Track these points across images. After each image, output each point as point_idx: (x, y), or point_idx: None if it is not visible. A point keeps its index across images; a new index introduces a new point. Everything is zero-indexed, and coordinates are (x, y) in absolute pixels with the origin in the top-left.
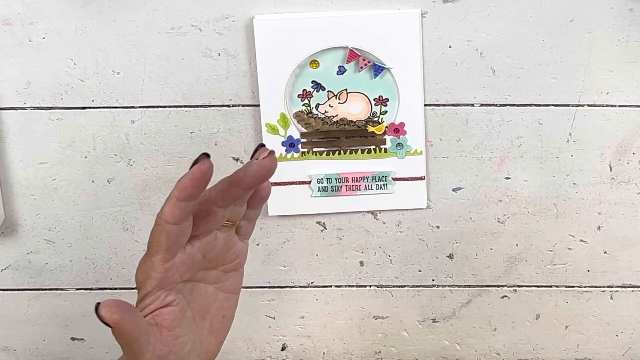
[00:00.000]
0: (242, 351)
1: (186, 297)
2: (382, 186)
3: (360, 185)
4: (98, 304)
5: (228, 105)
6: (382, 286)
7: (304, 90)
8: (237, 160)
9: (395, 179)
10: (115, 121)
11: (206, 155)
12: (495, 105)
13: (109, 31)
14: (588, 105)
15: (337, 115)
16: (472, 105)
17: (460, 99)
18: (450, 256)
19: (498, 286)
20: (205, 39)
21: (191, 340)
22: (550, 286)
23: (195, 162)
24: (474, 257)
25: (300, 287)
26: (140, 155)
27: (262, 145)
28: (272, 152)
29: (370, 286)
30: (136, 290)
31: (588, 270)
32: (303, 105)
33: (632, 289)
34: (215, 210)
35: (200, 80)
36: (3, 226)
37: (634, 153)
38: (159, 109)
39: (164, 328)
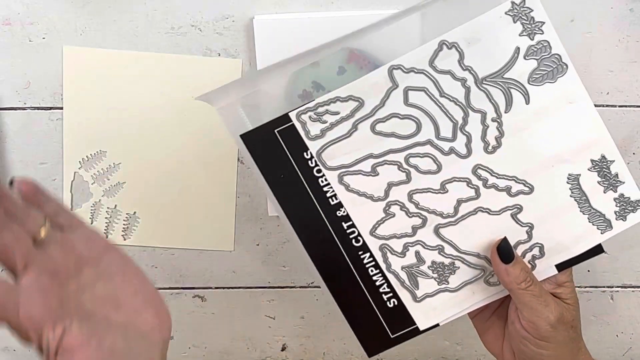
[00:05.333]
0: (242, 351)
1: (86, 313)
2: None
3: None
4: None
5: None
6: None
7: (304, 90)
8: (239, 160)
9: None
10: None
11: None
12: None
13: (109, 31)
14: None
15: None
16: None
17: None
18: None
19: None
20: (205, 39)
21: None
22: None
23: None
24: None
25: (300, 287)
26: None
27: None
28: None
29: None
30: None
31: (588, 270)
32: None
33: (632, 289)
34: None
35: None
36: None
37: (634, 153)
38: None
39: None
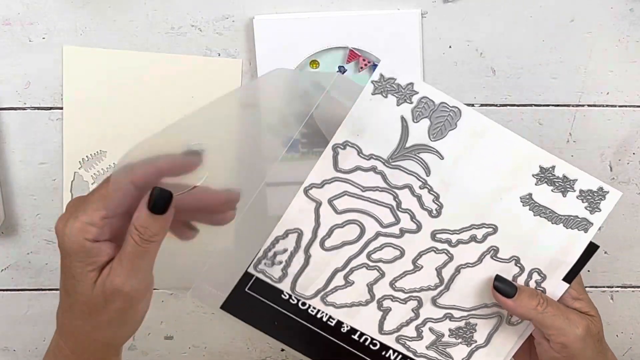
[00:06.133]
0: (242, 351)
1: None
2: None
3: None
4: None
5: None
6: None
7: (305, 90)
8: None
9: None
10: None
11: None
12: (495, 105)
13: (109, 31)
14: (588, 105)
15: None
16: (472, 105)
17: (460, 99)
18: None
19: None
20: (205, 39)
21: None
22: None
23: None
24: None
25: None
26: None
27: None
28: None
29: None
30: None
31: (588, 270)
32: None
33: (632, 289)
34: None
35: None
36: (3, 226)
37: (634, 153)
38: None
39: None
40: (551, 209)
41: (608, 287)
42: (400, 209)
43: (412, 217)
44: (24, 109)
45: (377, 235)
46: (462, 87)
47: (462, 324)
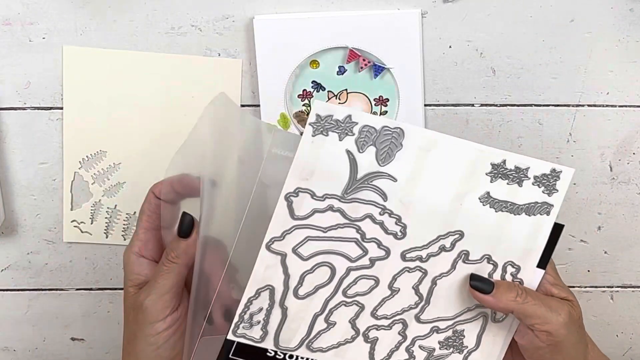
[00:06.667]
0: None
1: None
2: None
3: None
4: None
5: None
6: None
7: (304, 90)
8: (238, 160)
9: None
10: None
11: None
12: (495, 105)
13: (109, 31)
14: (588, 105)
15: None
16: (472, 105)
17: (460, 99)
18: None
19: None
20: (205, 39)
21: None
22: None
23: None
24: None
25: None
26: None
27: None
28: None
29: None
30: None
31: (588, 271)
32: (303, 105)
33: (632, 289)
34: None
35: None
36: (3, 226)
37: (634, 153)
38: None
39: None
40: (511, 202)
41: (608, 287)
42: (365, 240)
43: (379, 245)
44: (24, 109)
45: (349, 270)
46: (462, 87)
47: (449, 333)
